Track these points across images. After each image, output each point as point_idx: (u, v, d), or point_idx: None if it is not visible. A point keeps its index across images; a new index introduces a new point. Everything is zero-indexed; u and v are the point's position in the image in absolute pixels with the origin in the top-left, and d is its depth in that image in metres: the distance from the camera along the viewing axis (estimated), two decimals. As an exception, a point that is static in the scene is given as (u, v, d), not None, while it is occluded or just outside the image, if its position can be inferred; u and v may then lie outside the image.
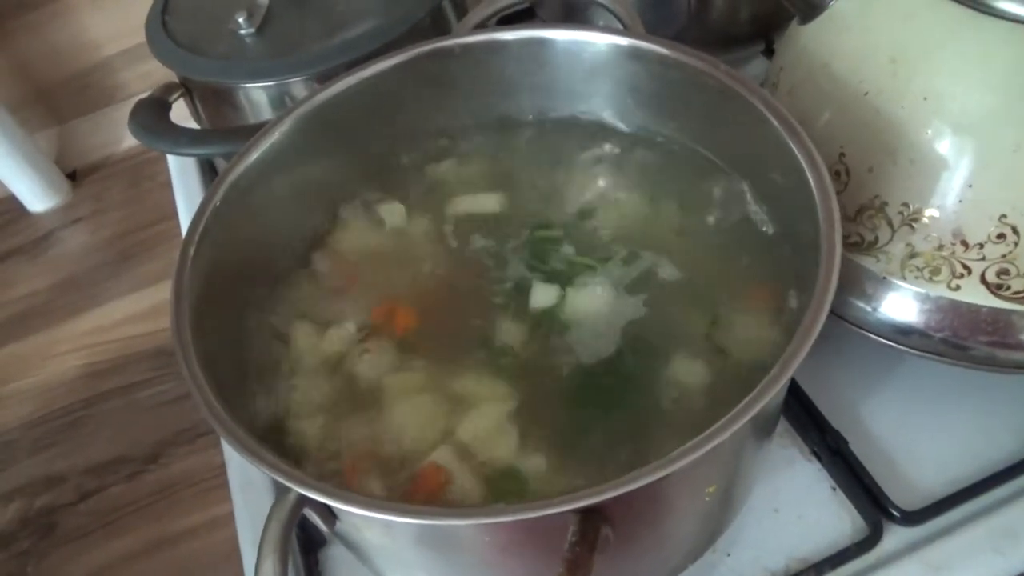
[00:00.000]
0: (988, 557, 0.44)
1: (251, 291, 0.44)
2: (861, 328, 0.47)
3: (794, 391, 0.50)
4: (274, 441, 0.39)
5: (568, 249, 0.45)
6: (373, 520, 0.31)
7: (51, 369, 0.67)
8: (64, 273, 0.76)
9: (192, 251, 0.38)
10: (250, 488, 0.52)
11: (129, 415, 0.62)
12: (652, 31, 0.47)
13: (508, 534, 0.31)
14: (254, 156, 0.42)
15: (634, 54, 0.45)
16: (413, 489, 0.36)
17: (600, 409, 0.39)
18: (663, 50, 0.43)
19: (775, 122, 0.38)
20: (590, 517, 0.28)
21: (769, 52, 0.69)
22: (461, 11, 0.63)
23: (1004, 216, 0.40)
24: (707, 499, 0.35)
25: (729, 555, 0.46)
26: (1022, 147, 0.40)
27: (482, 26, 0.53)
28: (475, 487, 0.35)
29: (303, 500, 0.30)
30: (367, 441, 0.38)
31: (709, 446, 0.28)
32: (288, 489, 0.30)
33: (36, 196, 0.84)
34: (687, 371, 0.39)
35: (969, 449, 0.48)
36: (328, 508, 0.32)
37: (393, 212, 0.48)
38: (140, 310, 0.70)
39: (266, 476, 0.51)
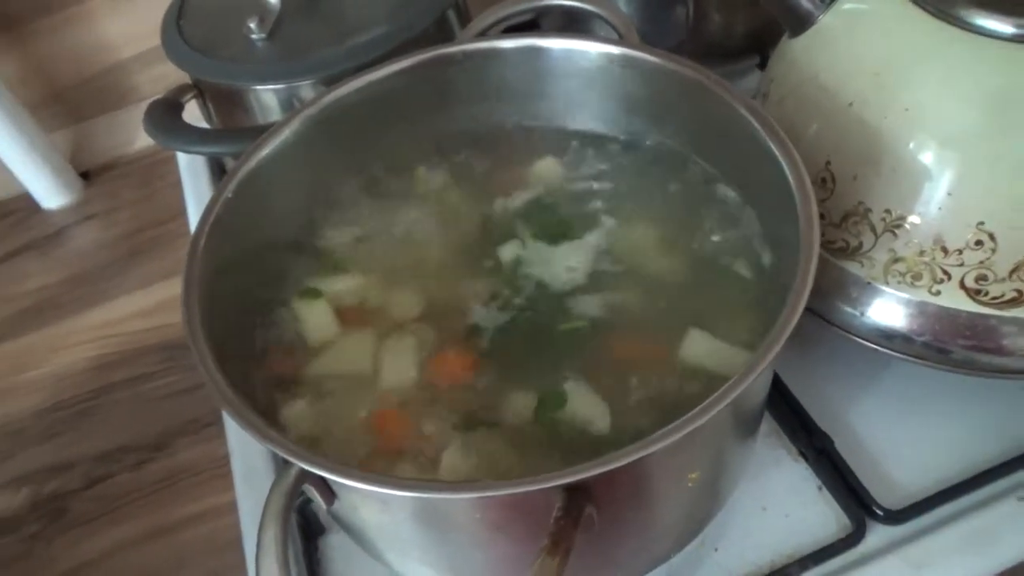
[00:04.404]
0: (967, 557, 0.45)
1: (258, 280, 0.45)
2: (847, 332, 0.48)
3: (782, 393, 0.52)
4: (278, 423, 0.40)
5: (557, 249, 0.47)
6: (369, 495, 0.33)
7: (62, 360, 0.69)
8: (76, 268, 0.77)
9: (203, 242, 0.39)
10: (253, 477, 0.53)
11: (136, 406, 0.64)
12: (652, 45, 0.48)
13: (498, 511, 0.32)
14: (264, 152, 0.44)
15: (626, 63, 0.47)
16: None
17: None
18: (654, 59, 0.45)
19: (759, 127, 0.40)
20: (575, 495, 0.30)
21: (764, 66, 0.71)
22: (465, 20, 0.65)
23: (982, 223, 0.42)
24: (690, 485, 0.36)
25: (716, 550, 0.47)
26: (1000, 158, 0.41)
27: (484, 34, 0.54)
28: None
29: (303, 475, 0.32)
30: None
31: (688, 429, 0.30)
32: (290, 465, 0.32)
33: (50, 193, 0.85)
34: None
35: (951, 451, 0.49)
36: (326, 484, 0.33)
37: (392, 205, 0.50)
38: (149, 305, 0.72)
39: (268, 465, 0.53)
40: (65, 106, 0.87)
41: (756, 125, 0.40)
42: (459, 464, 0.38)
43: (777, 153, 0.39)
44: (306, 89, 0.59)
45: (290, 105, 0.60)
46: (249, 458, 0.54)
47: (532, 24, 0.75)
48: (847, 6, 0.47)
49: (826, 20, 0.48)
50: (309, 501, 0.34)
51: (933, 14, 0.42)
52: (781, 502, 0.48)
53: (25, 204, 0.86)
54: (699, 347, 0.41)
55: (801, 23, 0.48)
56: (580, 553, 0.30)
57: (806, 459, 0.50)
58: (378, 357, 0.43)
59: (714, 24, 0.69)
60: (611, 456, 0.29)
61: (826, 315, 0.49)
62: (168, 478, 0.59)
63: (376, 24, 0.61)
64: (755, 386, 0.33)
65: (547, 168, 0.51)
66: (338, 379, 0.43)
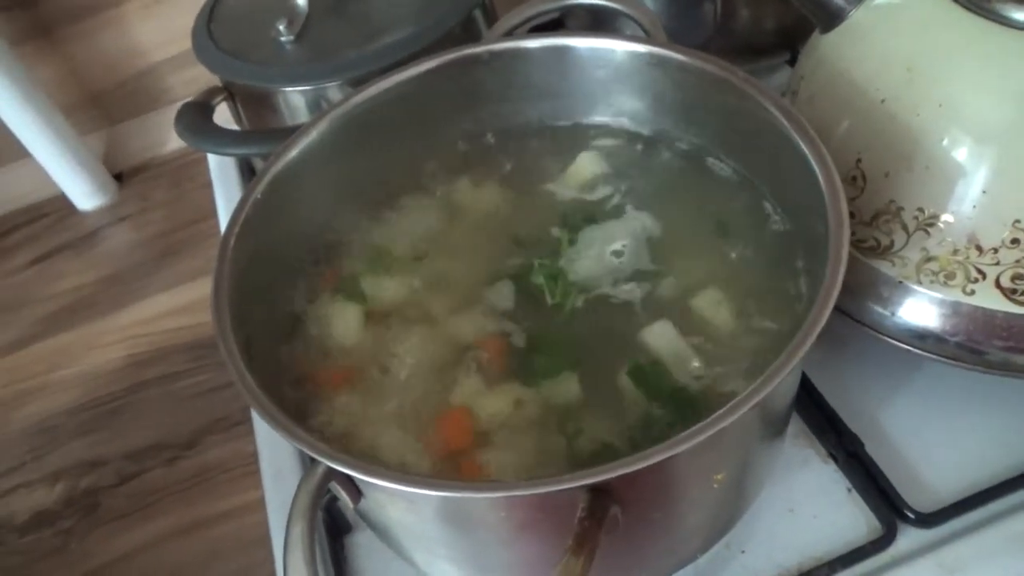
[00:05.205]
0: (1002, 560, 0.44)
1: (287, 280, 0.46)
2: (878, 332, 0.47)
3: (811, 394, 0.51)
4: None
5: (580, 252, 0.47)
6: (395, 493, 0.33)
7: (95, 359, 0.70)
8: (109, 268, 0.79)
9: (233, 242, 0.40)
10: (281, 475, 0.54)
11: (168, 404, 0.65)
12: (680, 42, 0.48)
13: (522, 510, 0.32)
14: (293, 153, 0.44)
15: (653, 61, 0.46)
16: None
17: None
18: (681, 57, 0.45)
19: (786, 123, 0.40)
20: (599, 495, 0.30)
21: (794, 62, 0.70)
22: (492, 20, 0.65)
23: (1018, 221, 0.41)
24: (715, 486, 0.36)
25: (743, 552, 0.46)
26: (1037, 154, 0.40)
27: (511, 34, 0.54)
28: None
29: (330, 473, 0.32)
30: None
31: (714, 430, 0.29)
32: (317, 463, 0.32)
33: (85, 195, 0.87)
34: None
35: (985, 453, 0.48)
36: (353, 482, 0.33)
37: (420, 207, 0.51)
38: (180, 304, 0.73)
39: (296, 463, 0.54)
40: (99, 109, 0.89)
41: (785, 123, 0.40)
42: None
43: (807, 151, 0.38)
44: (334, 90, 0.60)
45: (318, 106, 0.61)
46: (277, 456, 0.55)
47: (558, 23, 0.75)
48: (879, 1, 0.47)
49: (858, 15, 0.47)
50: (336, 499, 0.35)
51: (967, 8, 0.42)
52: (809, 504, 0.48)
53: (61, 205, 0.88)
54: (660, 338, 0.41)
55: (832, 19, 0.48)
56: (605, 553, 0.30)
57: (835, 460, 0.49)
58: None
59: (743, 20, 0.68)
60: (636, 457, 0.29)
61: (856, 315, 0.48)
62: (198, 475, 0.60)
63: (403, 25, 0.61)
64: (783, 386, 0.33)
65: (575, 167, 0.51)
66: (380, 372, 0.43)
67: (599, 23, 0.71)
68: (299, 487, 0.32)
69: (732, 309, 0.43)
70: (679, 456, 0.29)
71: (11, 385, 0.70)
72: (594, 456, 0.38)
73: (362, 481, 0.33)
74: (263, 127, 0.65)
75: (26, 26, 0.82)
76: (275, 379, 0.41)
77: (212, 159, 0.79)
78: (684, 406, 0.39)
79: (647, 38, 0.50)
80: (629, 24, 0.55)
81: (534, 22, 0.56)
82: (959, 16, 0.42)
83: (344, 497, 0.34)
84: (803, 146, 0.39)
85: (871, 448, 0.48)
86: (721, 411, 0.30)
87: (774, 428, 0.41)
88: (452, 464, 0.38)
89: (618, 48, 0.47)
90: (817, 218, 0.38)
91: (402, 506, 0.35)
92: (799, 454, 0.50)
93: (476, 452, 0.39)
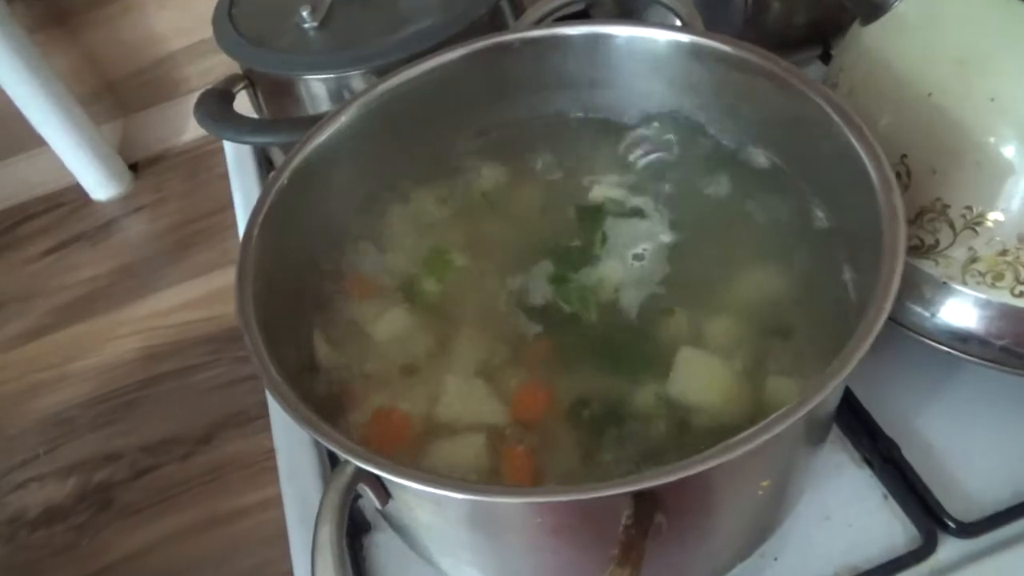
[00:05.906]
0: (1047, 573, 0.43)
1: (310, 271, 0.45)
2: (918, 334, 0.46)
3: (845, 397, 0.50)
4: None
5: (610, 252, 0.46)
6: (425, 495, 0.32)
7: (111, 351, 0.70)
8: (125, 259, 0.79)
9: (257, 230, 0.39)
10: (298, 473, 0.53)
11: (184, 397, 0.65)
12: (708, 34, 0.47)
13: (560, 516, 0.31)
14: (320, 139, 0.44)
15: (694, 51, 0.45)
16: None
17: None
18: (724, 47, 0.43)
19: (836, 118, 0.38)
20: (644, 502, 0.29)
21: (826, 56, 0.69)
22: (518, 10, 0.64)
23: (1073, 221, 0.40)
24: (760, 493, 0.35)
25: (776, 559, 0.45)
26: (1092, 150, 0.39)
27: (538, 24, 0.53)
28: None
29: (359, 473, 0.31)
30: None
31: (764, 437, 0.28)
32: (346, 463, 0.31)
33: (100, 185, 0.87)
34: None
35: (1029, 462, 0.47)
36: (381, 483, 0.32)
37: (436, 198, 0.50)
38: (196, 296, 0.72)
39: (313, 461, 0.53)
40: (115, 98, 0.89)
41: (832, 113, 0.39)
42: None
43: (855, 143, 0.37)
44: (357, 79, 0.59)
45: (340, 95, 0.60)
46: (294, 452, 0.54)
47: (583, 15, 0.74)
48: (925, -10, 0.45)
49: (902, 6, 0.45)
50: (355, 500, 0.34)
51: (1021, -3, 0.40)
52: (845, 511, 0.47)
53: (76, 195, 0.88)
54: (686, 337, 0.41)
55: (875, 9, 0.46)
56: (644, 562, 0.29)
57: (870, 466, 0.48)
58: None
59: (774, 13, 0.67)
60: (686, 463, 0.28)
61: (895, 316, 0.46)
62: (214, 471, 0.60)
63: (429, 14, 0.60)
64: (833, 395, 0.31)
65: (608, 159, 0.50)
66: (409, 370, 0.42)
67: (624, 14, 0.70)
68: (328, 487, 0.31)
69: (767, 309, 0.42)
70: (728, 463, 0.28)
71: (26, 376, 0.70)
72: (625, 458, 0.37)
73: (391, 482, 0.32)
74: (284, 116, 0.64)
75: (43, 14, 0.81)
76: (300, 375, 0.40)
77: (229, 150, 0.78)
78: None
79: (687, 27, 0.48)
80: (658, 16, 0.54)
81: (560, 12, 0.55)
82: (1011, 6, 0.41)
83: (372, 498, 0.33)
84: (851, 138, 0.37)
85: (908, 454, 0.47)
86: (772, 418, 0.29)
87: (819, 434, 0.40)
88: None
89: (660, 38, 0.46)
90: (863, 214, 0.36)
91: (430, 509, 0.34)
92: (833, 459, 0.49)
93: (511, 451, 0.38)
